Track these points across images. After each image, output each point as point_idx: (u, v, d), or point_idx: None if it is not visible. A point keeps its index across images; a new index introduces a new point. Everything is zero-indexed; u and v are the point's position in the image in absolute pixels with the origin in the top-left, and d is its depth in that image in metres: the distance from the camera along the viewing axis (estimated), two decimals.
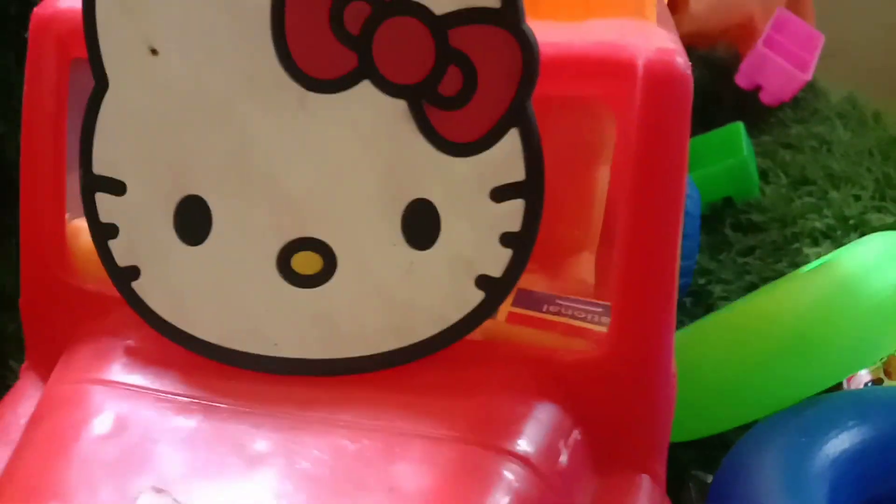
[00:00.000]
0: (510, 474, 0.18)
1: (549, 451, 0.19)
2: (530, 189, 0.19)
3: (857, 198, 0.52)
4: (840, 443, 0.28)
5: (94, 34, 0.20)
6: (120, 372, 0.20)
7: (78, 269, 0.22)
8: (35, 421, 0.20)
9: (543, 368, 0.20)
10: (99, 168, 0.20)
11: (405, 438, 0.18)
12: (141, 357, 0.21)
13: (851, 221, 0.49)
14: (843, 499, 0.27)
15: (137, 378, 0.20)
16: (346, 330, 0.20)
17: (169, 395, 0.20)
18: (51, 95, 0.21)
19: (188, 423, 0.19)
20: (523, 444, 0.19)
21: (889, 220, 0.49)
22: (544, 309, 0.22)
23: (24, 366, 0.24)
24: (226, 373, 0.21)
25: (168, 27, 0.19)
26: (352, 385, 0.20)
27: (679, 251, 0.20)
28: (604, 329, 0.22)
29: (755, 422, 0.30)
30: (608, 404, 0.20)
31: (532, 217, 0.19)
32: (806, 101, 0.66)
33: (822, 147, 0.59)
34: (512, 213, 0.19)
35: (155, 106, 0.20)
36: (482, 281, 0.20)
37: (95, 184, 0.20)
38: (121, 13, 0.20)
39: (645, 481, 0.21)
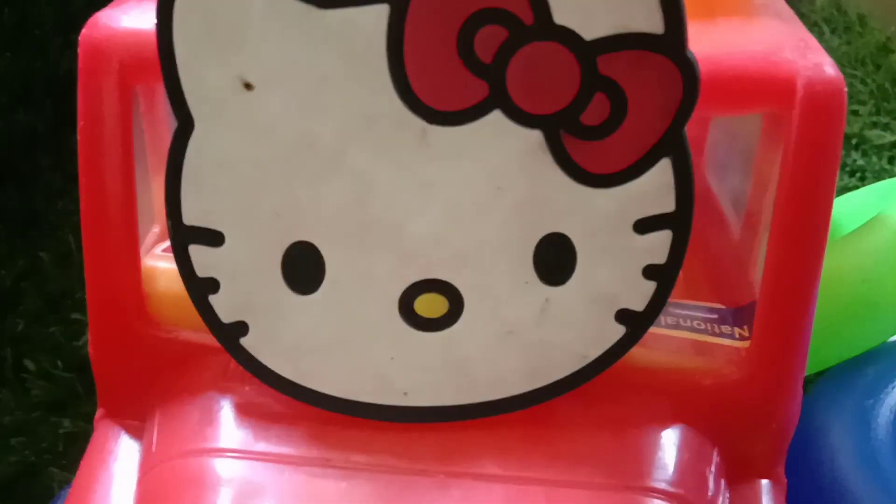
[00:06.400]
0: None
1: (700, 483, 0.19)
2: (680, 220, 0.18)
3: (856, 113, 0.52)
4: None
5: (172, 67, 0.17)
6: (239, 438, 0.19)
7: (158, 317, 0.20)
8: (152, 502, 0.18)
9: (680, 394, 0.20)
10: (191, 218, 0.18)
11: (564, 491, 0.18)
12: (254, 416, 0.19)
13: (853, 140, 0.50)
14: None
15: (260, 444, 0.19)
16: (479, 374, 0.19)
17: (302, 459, 0.18)
18: (116, 131, 0.18)
19: (333, 490, 0.18)
20: (678, 484, 0.18)
21: (889, 137, 0.50)
22: (663, 323, 0.21)
23: (98, 415, 0.22)
24: (352, 424, 0.19)
25: (265, 60, 0.17)
26: (486, 429, 0.19)
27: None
28: (727, 341, 0.21)
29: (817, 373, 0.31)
30: (744, 422, 0.20)
31: (679, 248, 0.18)
32: (791, 4, 0.65)
33: None
34: (657, 246, 0.18)
35: (253, 148, 0.17)
36: (623, 315, 0.19)
37: (188, 236, 0.18)
38: (207, 43, 0.17)
39: (766, 487, 0.21)
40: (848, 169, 0.48)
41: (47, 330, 0.37)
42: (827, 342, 0.30)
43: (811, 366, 0.31)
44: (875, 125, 0.51)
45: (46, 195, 0.43)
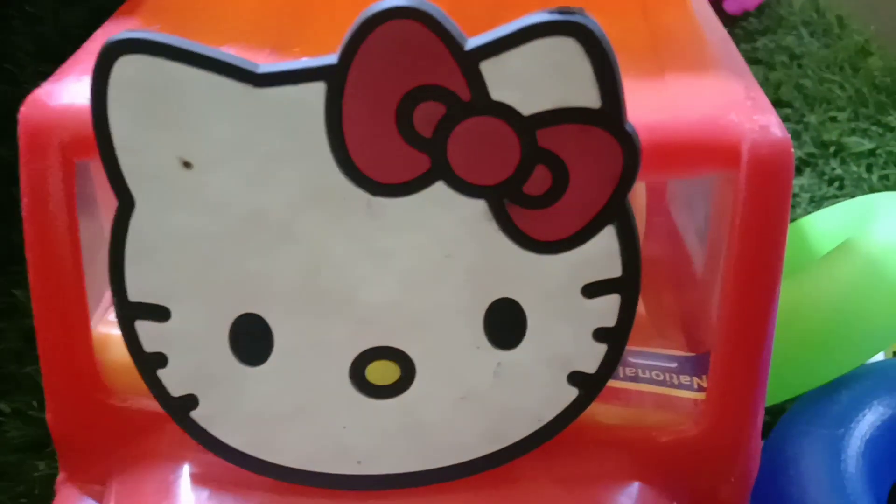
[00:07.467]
0: None
1: None
2: (627, 284, 0.18)
3: (834, 120, 0.52)
4: (871, 424, 0.29)
5: (109, 147, 0.17)
6: None
7: (112, 385, 0.20)
8: None
9: (639, 450, 0.20)
10: (136, 295, 0.18)
11: None
12: (210, 485, 0.19)
13: (832, 148, 0.49)
14: (882, 477, 0.28)
15: None
16: (434, 439, 0.19)
17: None
18: (60, 208, 0.18)
19: None
20: None
21: (867, 144, 0.49)
22: (622, 375, 0.21)
23: (59, 479, 0.22)
24: (308, 493, 0.19)
25: (205, 139, 0.17)
26: (444, 493, 0.19)
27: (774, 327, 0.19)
28: (685, 393, 0.21)
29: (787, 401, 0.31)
30: (703, 475, 0.20)
31: (628, 311, 0.18)
32: (770, 7, 0.64)
33: (792, 62, 0.58)
34: (606, 309, 0.18)
35: (196, 226, 0.17)
36: (575, 377, 0.19)
37: (134, 312, 0.18)
38: (144, 123, 0.16)
39: None
40: (826, 178, 0.48)
41: (23, 369, 0.37)
42: (798, 370, 0.30)
43: (782, 393, 0.31)
44: (854, 132, 0.51)
45: (22, 231, 0.42)
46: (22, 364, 0.38)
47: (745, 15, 0.61)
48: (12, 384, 0.37)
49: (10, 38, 0.48)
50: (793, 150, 0.17)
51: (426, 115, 0.16)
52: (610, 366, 0.19)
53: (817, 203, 0.47)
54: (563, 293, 0.18)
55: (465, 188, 0.17)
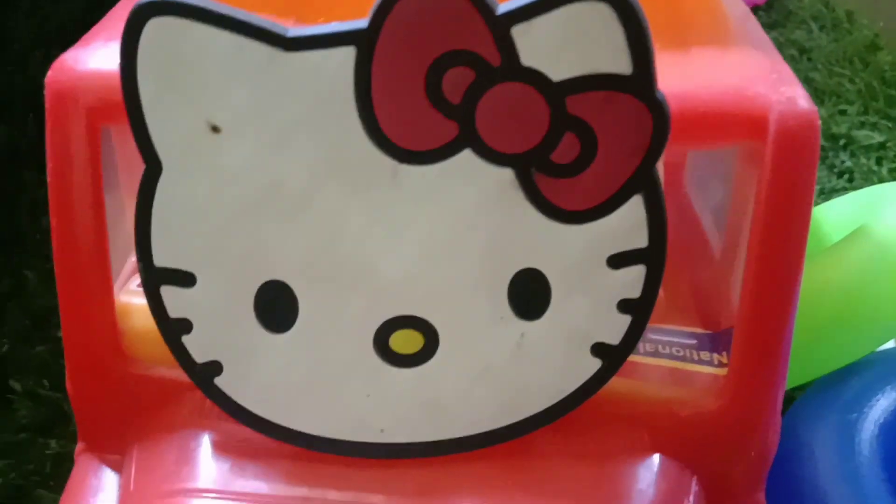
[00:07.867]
0: None
1: None
2: (653, 255, 0.18)
3: (843, 113, 0.52)
4: (884, 409, 0.29)
5: (138, 111, 0.17)
6: (216, 477, 0.19)
7: (133, 354, 0.20)
8: None
9: (659, 424, 0.20)
10: (162, 260, 0.18)
11: None
12: (231, 453, 0.19)
13: (841, 141, 0.50)
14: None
15: (238, 482, 0.19)
16: (455, 411, 0.19)
17: (279, 498, 0.18)
18: (85, 173, 0.18)
19: None
20: None
21: (877, 137, 0.50)
22: (642, 350, 0.21)
23: (78, 449, 0.22)
24: (330, 460, 0.19)
25: (232, 104, 0.17)
26: (464, 463, 0.19)
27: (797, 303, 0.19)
28: (706, 369, 0.21)
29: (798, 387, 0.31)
30: (723, 450, 0.20)
31: (653, 282, 0.18)
32: (779, 2, 0.64)
33: (802, 56, 0.59)
34: (632, 280, 0.18)
35: (222, 191, 0.17)
36: (599, 349, 0.19)
37: (159, 277, 0.18)
38: (173, 87, 0.16)
39: None
40: (836, 170, 0.48)
41: (33, 349, 0.37)
42: (810, 355, 0.30)
43: (794, 379, 0.31)
44: (863, 125, 0.51)
45: (31, 212, 0.42)
46: (31, 344, 0.38)
47: (755, 9, 0.61)
48: (22, 364, 0.37)
49: (16, 23, 0.48)
50: (819, 122, 0.17)
51: (455, 81, 0.16)
52: (633, 337, 0.19)
53: (827, 195, 0.47)
54: (588, 263, 0.18)
55: (493, 156, 0.17)
